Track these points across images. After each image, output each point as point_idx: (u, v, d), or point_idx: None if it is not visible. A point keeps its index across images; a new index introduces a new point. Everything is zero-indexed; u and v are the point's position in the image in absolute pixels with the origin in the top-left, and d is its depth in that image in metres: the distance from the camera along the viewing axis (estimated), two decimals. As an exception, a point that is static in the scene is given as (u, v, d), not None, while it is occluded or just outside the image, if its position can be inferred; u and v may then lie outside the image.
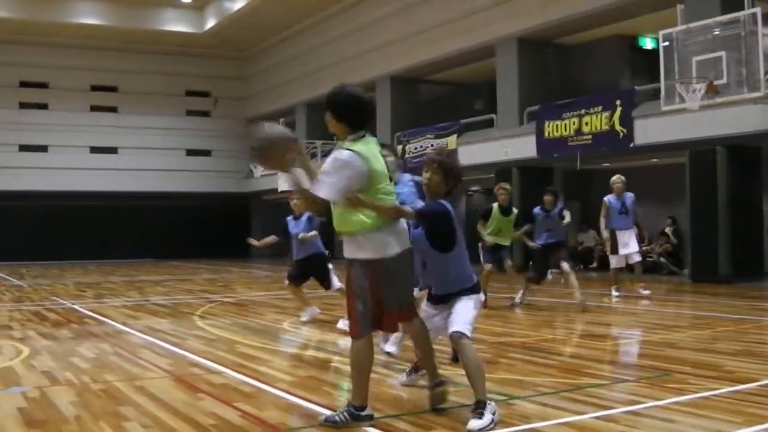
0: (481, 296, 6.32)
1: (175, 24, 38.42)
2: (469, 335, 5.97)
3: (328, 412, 6.04)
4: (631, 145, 20.82)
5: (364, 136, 5.73)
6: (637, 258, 16.02)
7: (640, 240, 16.31)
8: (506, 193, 14.31)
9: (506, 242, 14.41)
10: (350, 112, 5.70)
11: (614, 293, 15.79)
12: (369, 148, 5.66)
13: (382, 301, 5.77)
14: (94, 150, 39.64)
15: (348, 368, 7.59)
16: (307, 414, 6.20)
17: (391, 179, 5.93)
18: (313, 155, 34.43)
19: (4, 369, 8.37)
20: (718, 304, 14.49)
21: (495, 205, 14.31)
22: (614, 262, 16.29)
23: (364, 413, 5.79)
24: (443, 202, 6.13)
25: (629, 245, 15.89)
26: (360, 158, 5.55)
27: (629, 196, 15.80)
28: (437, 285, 6.28)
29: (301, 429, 5.78)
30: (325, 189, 5.52)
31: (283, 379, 7.63)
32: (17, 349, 9.71)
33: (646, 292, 15.70)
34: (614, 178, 15.91)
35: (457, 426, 5.73)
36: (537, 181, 23.44)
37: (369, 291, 5.72)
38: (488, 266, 14.18)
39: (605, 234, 16.21)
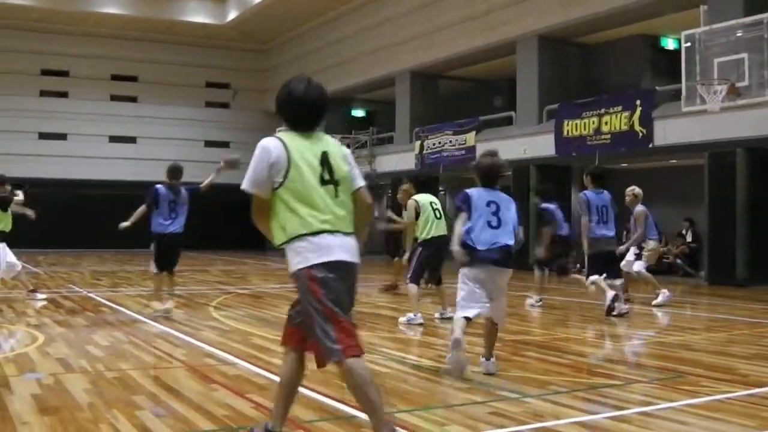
0: None
1: (197, 15, 38.47)
2: None
3: (341, 407, 6.06)
4: (651, 145, 20.74)
5: (306, 133, 5.14)
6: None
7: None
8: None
9: None
10: (284, 112, 5.23)
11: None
12: (297, 140, 5.07)
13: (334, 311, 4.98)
14: (113, 139, 39.74)
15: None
16: (319, 407, 6.20)
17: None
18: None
19: (19, 355, 8.42)
20: (734, 307, 14.44)
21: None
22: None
23: None
24: None
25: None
26: (281, 145, 4.99)
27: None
28: None
29: (313, 422, 5.77)
30: (244, 182, 4.97)
31: (297, 372, 7.63)
32: (33, 336, 9.76)
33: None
34: (627, 190, 14.75)
35: (469, 423, 5.72)
36: (555, 179, 23.44)
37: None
38: None
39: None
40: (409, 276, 11.90)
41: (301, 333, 5.13)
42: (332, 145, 5.17)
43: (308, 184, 4.95)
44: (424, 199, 12.28)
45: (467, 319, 7.55)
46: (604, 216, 12.61)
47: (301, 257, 4.87)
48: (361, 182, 5.19)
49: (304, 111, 5.18)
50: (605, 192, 12.82)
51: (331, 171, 5.04)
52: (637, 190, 14.72)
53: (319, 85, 5.34)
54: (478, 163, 7.95)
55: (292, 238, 4.89)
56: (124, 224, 12.54)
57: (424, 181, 13.32)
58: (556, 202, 15.05)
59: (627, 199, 14.58)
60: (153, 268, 12.59)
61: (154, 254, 12.37)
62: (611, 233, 12.70)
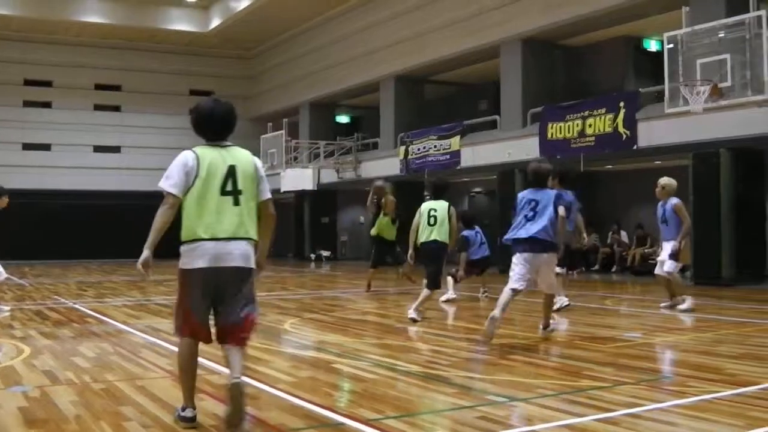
0: None
1: (180, 23, 38.44)
2: None
3: (329, 414, 6.05)
4: (635, 147, 20.81)
5: (215, 144, 6.03)
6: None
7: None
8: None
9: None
10: (197, 127, 6.12)
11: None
12: (208, 152, 5.94)
13: (190, 310, 6.00)
14: (98, 149, 39.68)
15: (347, 369, 7.59)
16: (307, 415, 6.18)
17: None
18: (317, 155, 34.48)
19: (5, 368, 8.37)
20: (721, 307, 14.48)
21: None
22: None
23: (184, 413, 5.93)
24: None
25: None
26: (194, 156, 5.87)
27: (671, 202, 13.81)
28: None
29: (301, 430, 5.76)
30: (162, 182, 5.90)
31: (284, 380, 7.62)
32: (18, 348, 9.71)
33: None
34: (659, 181, 14.17)
35: (458, 427, 5.72)
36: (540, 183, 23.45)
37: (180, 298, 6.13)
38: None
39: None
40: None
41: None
42: (242, 159, 5.96)
43: (209, 192, 5.79)
44: (425, 206, 12.83)
45: (514, 290, 9.83)
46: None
47: (187, 258, 5.96)
48: (267, 195, 6.04)
49: (211, 125, 6.05)
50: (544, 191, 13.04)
51: (234, 182, 5.84)
52: (664, 181, 14.01)
53: (226, 103, 6.18)
54: (527, 167, 10.25)
55: (187, 241, 5.92)
56: None
57: (440, 187, 13.36)
58: (478, 227, 16.41)
59: (657, 191, 14.00)
60: None
61: None
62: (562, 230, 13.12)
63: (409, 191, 29.40)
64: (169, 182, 5.83)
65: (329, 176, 34.33)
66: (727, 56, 16.51)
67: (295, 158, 34.02)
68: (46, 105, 39.35)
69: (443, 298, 14.95)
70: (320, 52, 36.00)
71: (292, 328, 11.82)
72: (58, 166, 38.10)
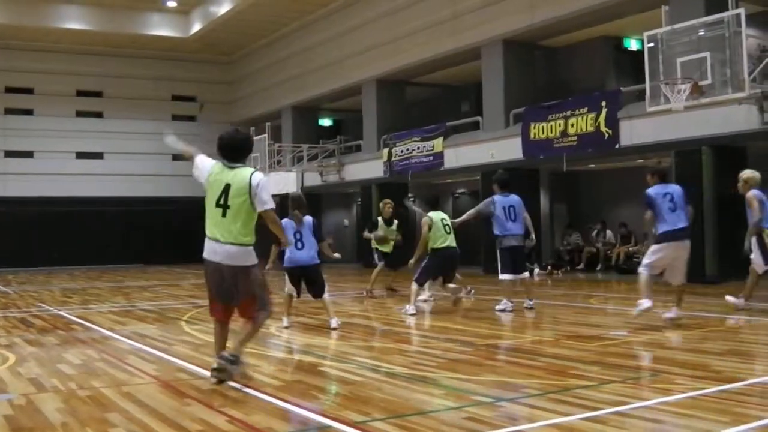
0: None
1: (161, 28, 38.29)
2: None
3: (317, 417, 6.06)
4: (617, 146, 20.86)
5: (228, 166, 7.68)
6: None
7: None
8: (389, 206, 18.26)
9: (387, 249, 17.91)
10: (217, 152, 7.83)
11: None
12: (220, 171, 7.68)
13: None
14: (80, 155, 39.48)
15: (335, 372, 7.59)
16: (294, 418, 6.18)
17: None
18: (300, 158, 34.45)
19: (-11, 376, 8.33)
20: (706, 304, 14.54)
21: (379, 218, 18.42)
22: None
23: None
24: None
25: None
26: (211, 167, 7.79)
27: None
28: None
29: (288, 433, 5.76)
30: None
31: (271, 384, 7.62)
32: (3, 356, 9.68)
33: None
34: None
35: (444, 429, 5.72)
36: (523, 182, 23.56)
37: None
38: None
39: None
40: (416, 277, 13.90)
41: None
42: (238, 180, 7.50)
43: (209, 203, 7.58)
44: (436, 216, 14.13)
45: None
46: (512, 215, 13.76)
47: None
48: (261, 207, 7.48)
49: (222, 151, 7.78)
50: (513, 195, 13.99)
51: (226, 199, 7.47)
52: (746, 174, 13.35)
53: (244, 133, 8.11)
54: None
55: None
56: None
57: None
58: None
59: (739, 186, 13.47)
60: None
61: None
62: (519, 231, 13.85)
63: (392, 193, 29.47)
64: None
65: (313, 179, 34.30)
66: (707, 54, 16.57)
67: (279, 162, 33.98)
68: (28, 112, 39.15)
69: (421, 298, 14.97)
70: (301, 56, 35.97)
71: (279, 331, 11.80)
72: (40, 173, 37.93)
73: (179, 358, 9.24)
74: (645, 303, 10.96)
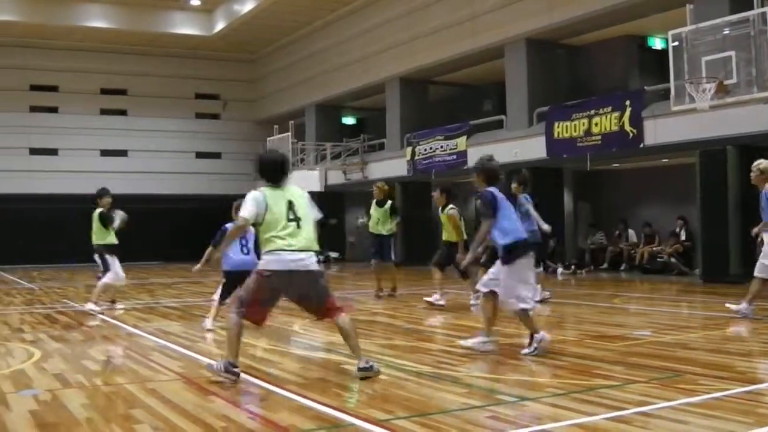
0: None
1: (184, 27, 38.43)
2: None
3: (340, 415, 6.07)
4: (641, 145, 20.79)
5: (277, 186, 8.05)
6: None
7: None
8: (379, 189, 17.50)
9: (384, 231, 17.24)
10: (261, 173, 8.21)
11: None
12: (274, 193, 7.95)
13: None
14: (104, 153, 39.66)
15: (355, 369, 7.59)
16: (317, 416, 6.19)
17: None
18: (323, 156, 34.49)
19: (15, 372, 8.39)
20: (730, 304, 14.43)
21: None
22: None
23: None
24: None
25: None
26: (262, 196, 7.88)
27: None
28: None
29: (312, 431, 5.76)
30: (242, 212, 7.91)
31: (294, 381, 7.64)
32: (29, 352, 9.74)
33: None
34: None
35: (468, 427, 5.72)
36: (547, 182, 23.56)
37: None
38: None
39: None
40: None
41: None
42: (296, 194, 8.00)
43: (278, 219, 7.76)
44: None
45: None
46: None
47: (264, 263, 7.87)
48: (318, 214, 8.13)
49: (267, 173, 8.14)
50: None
51: (295, 211, 7.82)
52: (764, 163, 12.43)
53: (281, 154, 8.65)
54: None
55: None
56: None
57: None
58: None
59: (752, 177, 12.66)
60: None
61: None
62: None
63: (415, 192, 29.50)
64: (247, 214, 7.97)
65: (336, 178, 34.35)
66: (732, 53, 16.49)
67: (302, 160, 34.04)
68: (53, 110, 39.35)
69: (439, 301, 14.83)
70: (325, 54, 36.00)
71: (302, 329, 11.83)
72: (65, 170, 38.12)
73: (203, 355, 9.27)
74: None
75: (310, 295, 7.85)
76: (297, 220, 7.79)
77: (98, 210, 15.58)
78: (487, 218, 8.85)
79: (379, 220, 17.25)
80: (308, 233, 7.83)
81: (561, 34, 25.10)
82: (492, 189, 8.97)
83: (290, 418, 6.11)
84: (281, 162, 8.21)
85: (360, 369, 7.63)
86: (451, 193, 15.25)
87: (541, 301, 13.96)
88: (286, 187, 8.05)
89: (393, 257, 17.48)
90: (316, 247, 7.88)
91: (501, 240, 8.79)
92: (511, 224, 8.88)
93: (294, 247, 7.67)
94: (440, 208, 15.21)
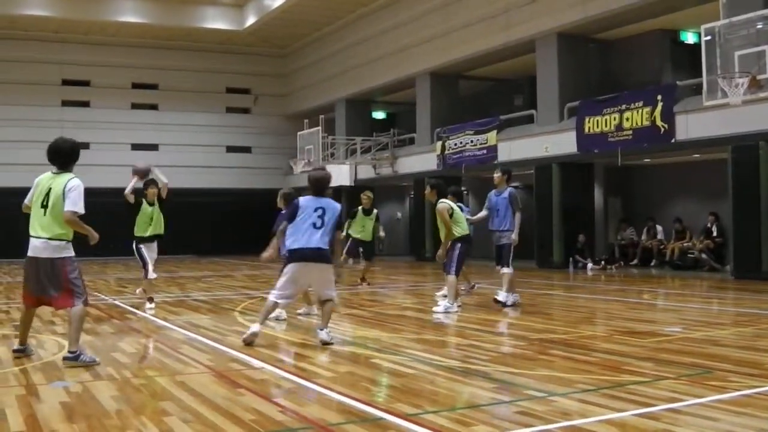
0: None
1: (216, 21, 38.56)
2: None
3: (369, 409, 6.08)
4: (673, 140, 20.66)
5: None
6: None
7: None
8: (368, 199, 19.00)
9: (368, 238, 19.06)
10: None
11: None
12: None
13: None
14: (135, 147, 39.81)
15: (386, 364, 7.59)
16: (346, 410, 6.20)
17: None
18: (353, 151, 34.52)
19: (47, 364, 8.46)
20: (761, 301, 14.34)
21: (359, 208, 19.13)
22: None
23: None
24: None
25: None
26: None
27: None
28: None
29: (341, 425, 5.77)
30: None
31: (323, 375, 7.65)
32: (60, 344, 9.80)
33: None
34: None
35: (496, 422, 5.71)
36: (578, 177, 23.50)
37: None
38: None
39: None
40: (452, 269, 13.09)
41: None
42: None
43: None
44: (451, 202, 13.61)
45: None
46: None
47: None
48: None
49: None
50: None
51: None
52: None
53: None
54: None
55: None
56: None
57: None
58: None
59: None
60: None
61: None
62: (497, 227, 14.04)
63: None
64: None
65: (366, 172, 34.36)
66: (766, 48, 16.33)
67: (332, 154, 34.08)
68: (85, 104, 39.61)
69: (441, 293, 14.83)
70: (355, 48, 36.00)
71: (331, 323, 11.84)
72: (96, 164, 38.33)
73: (233, 349, 9.30)
74: None
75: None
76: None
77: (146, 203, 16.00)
78: None
79: (364, 228, 18.91)
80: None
81: (593, 29, 24.97)
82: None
83: (319, 412, 6.12)
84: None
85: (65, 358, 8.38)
86: (447, 190, 14.70)
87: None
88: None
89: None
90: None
91: None
92: None
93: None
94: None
